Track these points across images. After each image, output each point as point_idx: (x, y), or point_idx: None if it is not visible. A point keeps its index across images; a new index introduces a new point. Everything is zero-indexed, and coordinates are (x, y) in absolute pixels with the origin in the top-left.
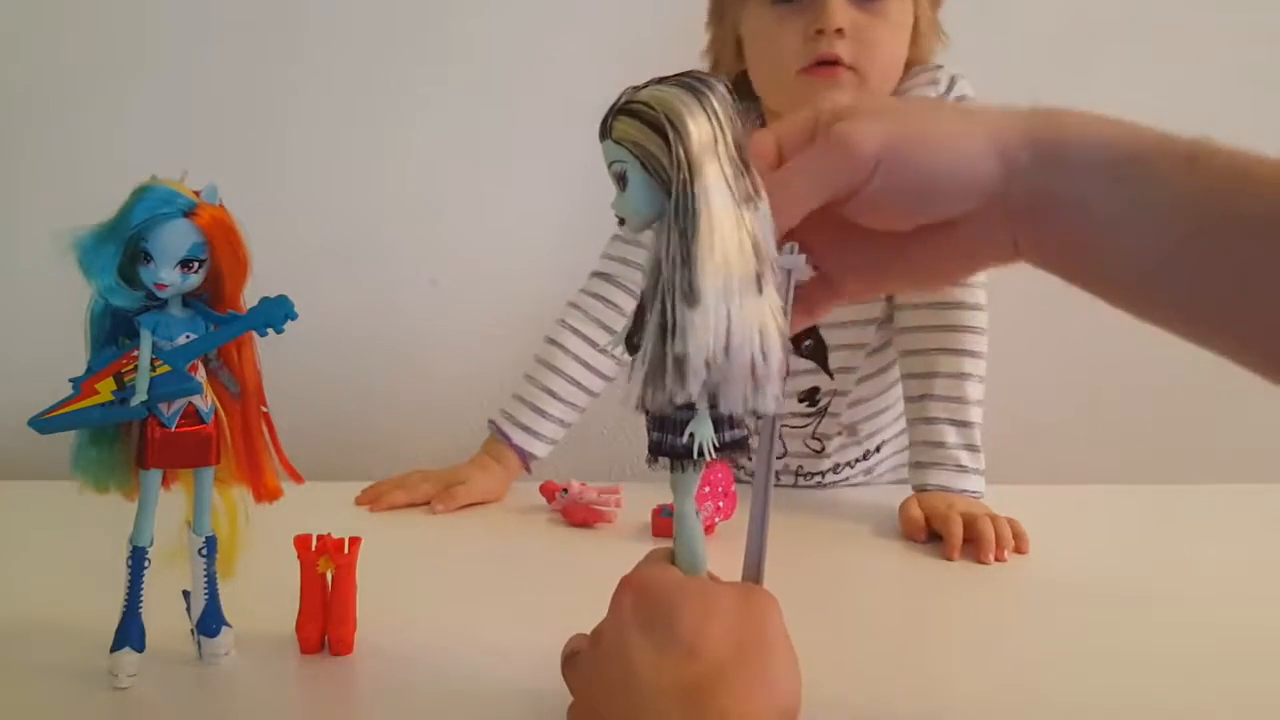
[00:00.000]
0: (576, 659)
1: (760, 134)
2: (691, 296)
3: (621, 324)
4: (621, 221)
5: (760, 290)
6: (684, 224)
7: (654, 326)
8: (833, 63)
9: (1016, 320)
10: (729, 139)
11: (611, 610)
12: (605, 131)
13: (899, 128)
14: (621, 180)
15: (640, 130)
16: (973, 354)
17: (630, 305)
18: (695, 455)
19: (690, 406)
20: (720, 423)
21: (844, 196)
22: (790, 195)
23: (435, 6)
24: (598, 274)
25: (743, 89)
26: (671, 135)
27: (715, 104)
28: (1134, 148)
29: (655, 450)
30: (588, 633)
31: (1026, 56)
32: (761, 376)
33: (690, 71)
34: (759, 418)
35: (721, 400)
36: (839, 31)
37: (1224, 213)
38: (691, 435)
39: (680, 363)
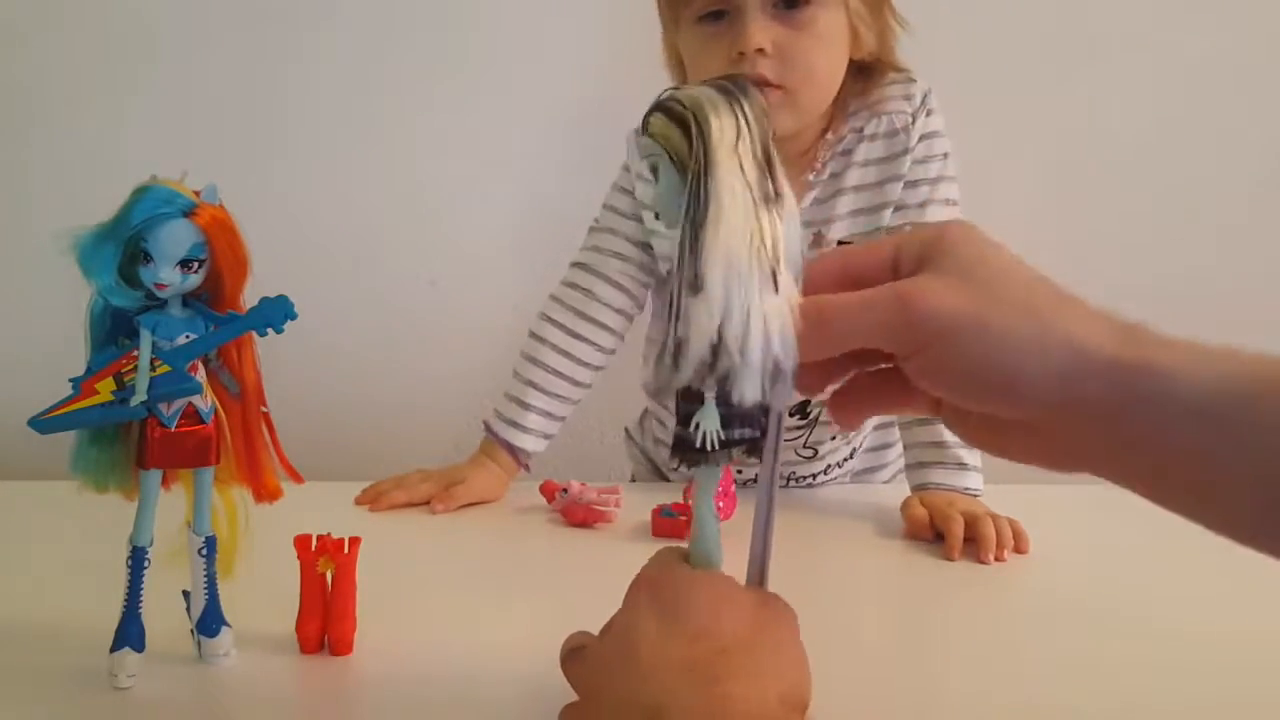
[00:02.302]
0: (580, 653)
1: (831, 254)
2: (695, 284)
3: (599, 312)
4: (656, 215)
5: (776, 289)
6: (694, 213)
7: (665, 312)
8: (759, 84)
9: None
10: (754, 140)
11: (625, 603)
12: (643, 127)
13: (975, 305)
14: (655, 173)
15: (669, 126)
16: None
17: (607, 293)
18: (699, 447)
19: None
20: (731, 420)
21: (889, 352)
22: (832, 329)
23: (435, 6)
24: (575, 264)
25: None
26: (694, 130)
27: (745, 106)
28: (1234, 384)
29: (675, 447)
30: (588, 630)
31: (1025, 56)
32: (783, 371)
33: (731, 75)
34: (767, 413)
35: (734, 391)
36: (760, 51)
37: None
38: (697, 425)
39: (680, 347)
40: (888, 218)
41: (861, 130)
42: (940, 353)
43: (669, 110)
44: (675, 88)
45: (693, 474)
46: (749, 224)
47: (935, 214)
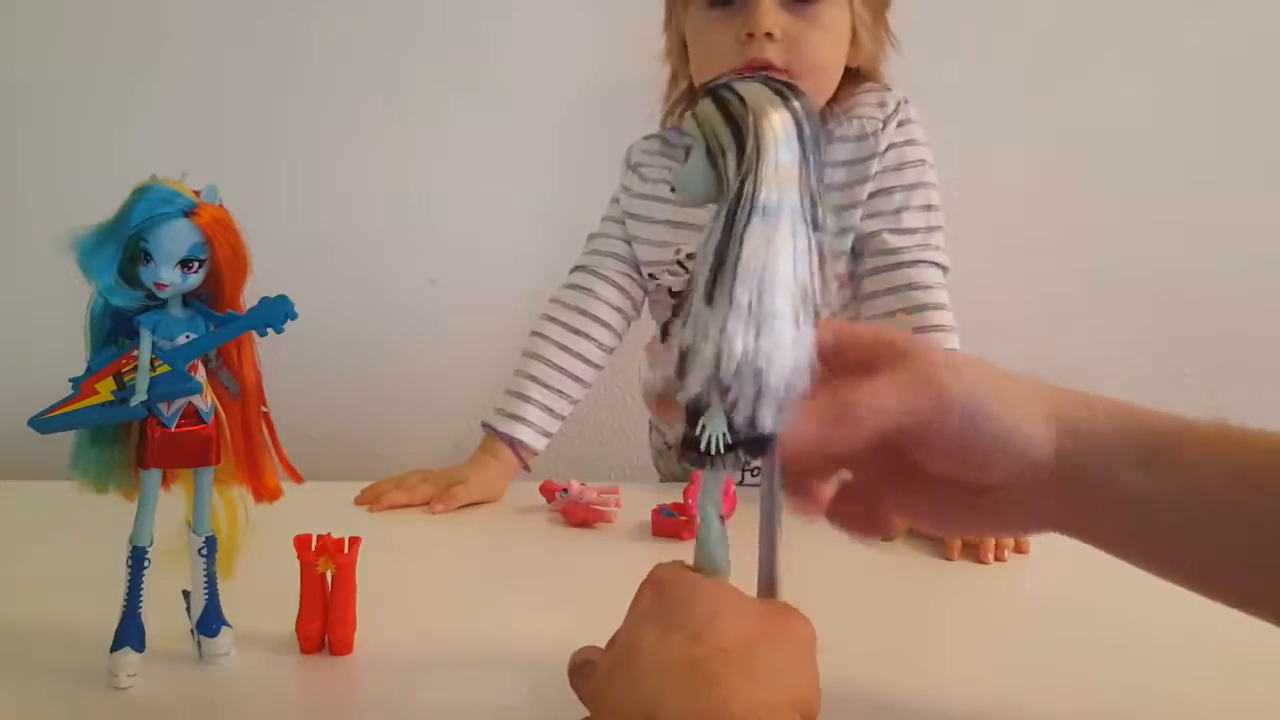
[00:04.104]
0: (586, 668)
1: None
2: (717, 297)
3: (599, 309)
4: (673, 189)
5: (798, 321)
6: (733, 228)
7: (682, 316)
8: (764, 68)
9: (1015, 320)
10: (812, 164)
11: (630, 609)
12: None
13: (980, 381)
14: (686, 153)
15: (718, 119)
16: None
17: (607, 292)
18: (704, 449)
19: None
20: (738, 424)
21: (920, 432)
22: (867, 411)
23: (435, 7)
24: (577, 267)
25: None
26: (750, 143)
27: (806, 125)
28: (1159, 435)
29: (684, 446)
30: (594, 642)
31: (1022, 56)
32: (792, 400)
33: (774, 79)
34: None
35: (754, 415)
36: (769, 35)
37: (1242, 505)
38: (703, 427)
39: (685, 357)
40: (858, 219)
41: (832, 133)
42: (970, 420)
43: (725, 104)
44: (734, 77)
45: (701, 476)
46: (789, 253)
47: (913, 220)
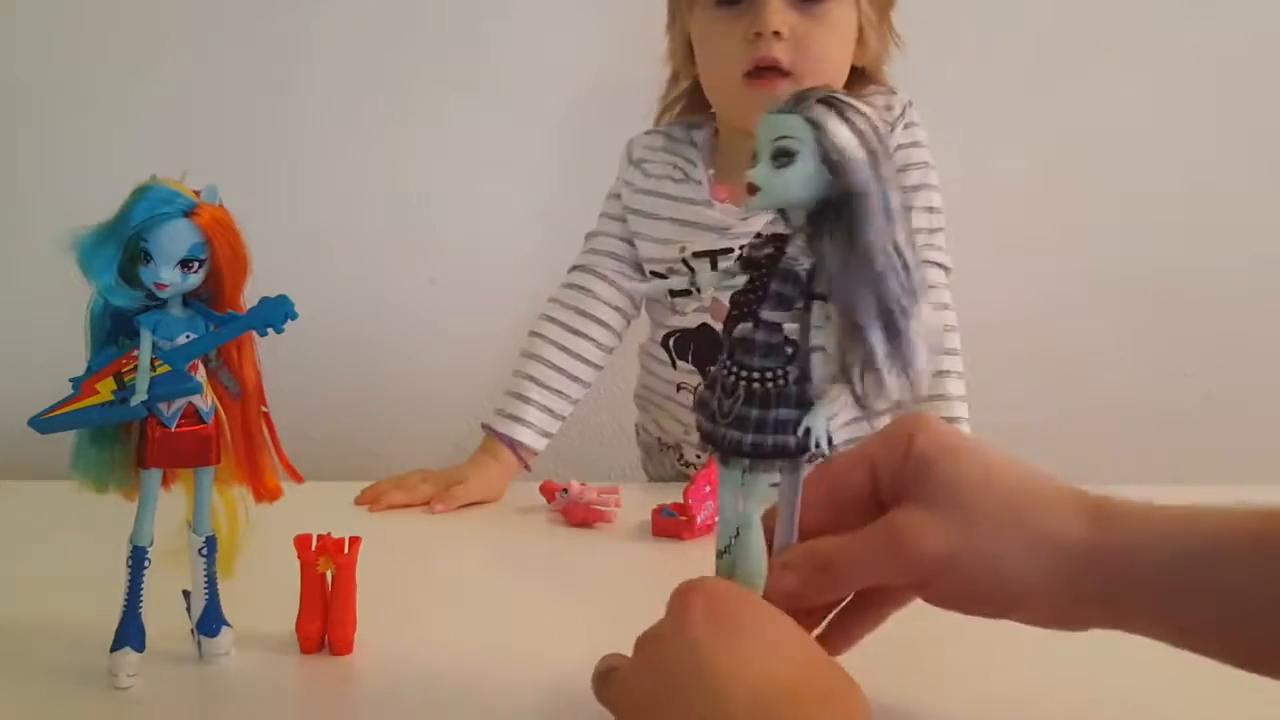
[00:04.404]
0: (615, 675)
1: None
2: (861, 294)
3: (597, 309)
4: (752, 190)
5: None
6: (874, 226)
7: (880, 327)
8: (771, 67)
9: (1015, 320)
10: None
11: (674, 618)
12: (796, 108)
13: (965, 536)
14: (782, 156)
15: (840, 123)
16: (948, 352)
17: (605, 292)
18: (814, 448)
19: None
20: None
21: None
22: (840, 576)
23: (435, 7)
24: (575, 266)
25: (697, 99)
26: (880, 149)
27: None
28: (1201, 544)
29: (749, 452)
30: (594, 641)
31: (1022, 56)
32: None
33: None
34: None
35: (869, 398)
36: (776, 34)
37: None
38: (809, 430)
39: (906, 345)
40: None
41: None
42: (942, 583)
43: (845, 116)
44: (829, 90)
45: (745, 478)
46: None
47: (917, 220)
